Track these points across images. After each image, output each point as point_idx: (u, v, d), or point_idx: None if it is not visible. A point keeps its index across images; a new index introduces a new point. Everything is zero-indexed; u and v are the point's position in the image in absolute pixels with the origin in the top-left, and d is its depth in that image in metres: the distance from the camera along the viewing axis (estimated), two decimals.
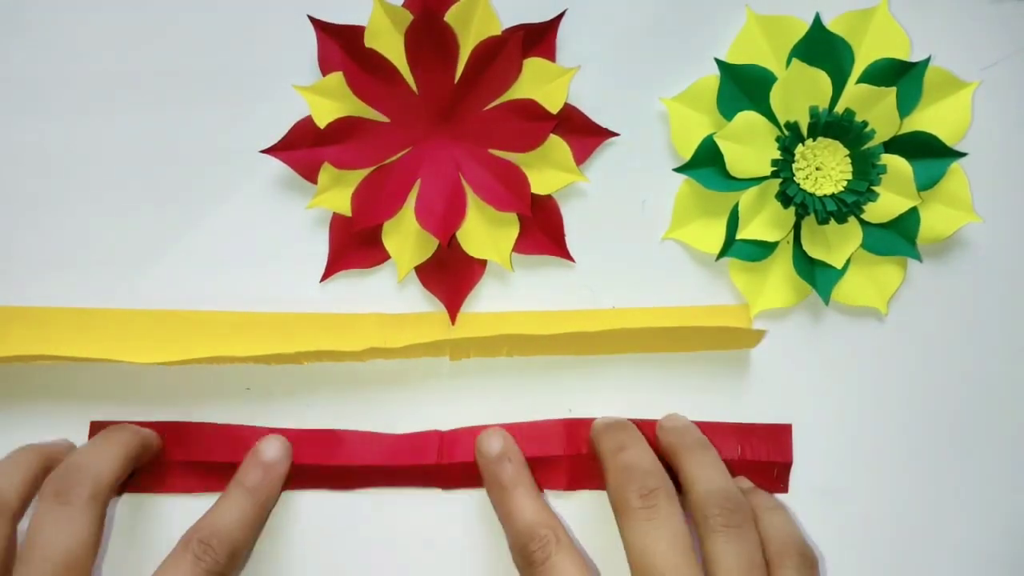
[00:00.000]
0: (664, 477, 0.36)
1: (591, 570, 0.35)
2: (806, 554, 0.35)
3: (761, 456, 0.39)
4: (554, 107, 0.39)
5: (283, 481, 0.38)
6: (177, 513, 0.39)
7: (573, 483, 0.39)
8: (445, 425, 0.39)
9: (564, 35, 0.40)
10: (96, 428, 0.39)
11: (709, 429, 0.39)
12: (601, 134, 0.40)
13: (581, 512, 0.39)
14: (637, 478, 0.35)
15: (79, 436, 0.39)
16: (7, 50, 0.40)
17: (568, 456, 0.39)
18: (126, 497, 0.39)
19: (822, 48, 0.38)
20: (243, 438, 0.39)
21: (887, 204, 0.38)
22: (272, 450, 0.38)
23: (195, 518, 0.36)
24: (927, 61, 0.38)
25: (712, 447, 0.38)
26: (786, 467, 0.39)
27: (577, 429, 0.39)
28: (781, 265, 0.40)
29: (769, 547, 0.35)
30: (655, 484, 0.35)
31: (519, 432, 0.39)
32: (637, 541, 0.34)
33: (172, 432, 0.39)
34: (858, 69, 0.39)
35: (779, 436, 0.40)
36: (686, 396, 0.40)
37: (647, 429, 0.39)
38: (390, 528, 0.39)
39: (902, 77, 0.38)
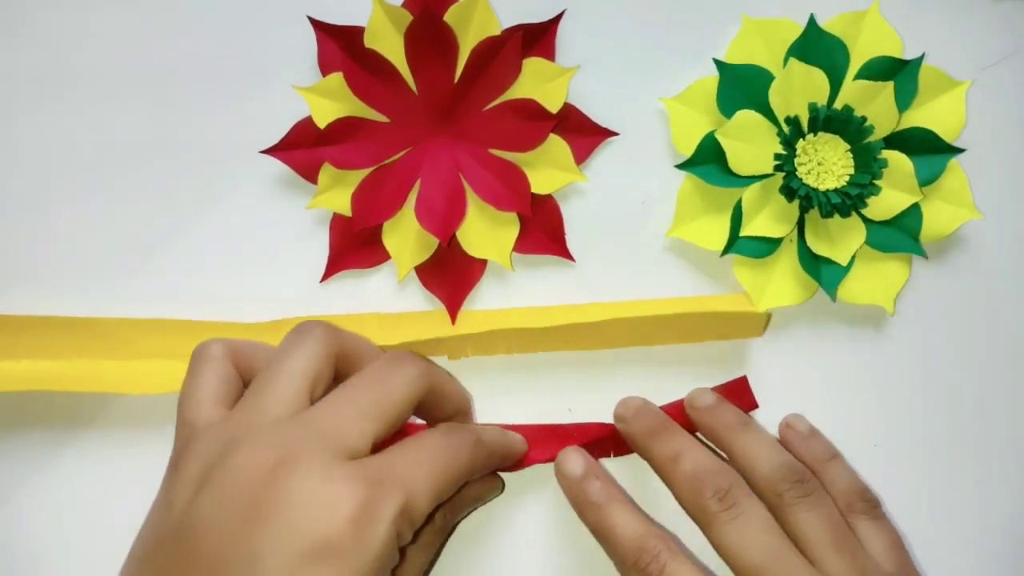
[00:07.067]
0: (728, 469, 0.36)
1: (709, 573, 0.35)
2: (869, 497, 0.37)
3: None
4: (554, 107, 0.39)
5: None
6: None
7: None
8: None
9: (564, 35, 0.40)
10: None
11: (673, 409, 0.39)
12: (601, 134, 0.40)
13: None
14: (708, 484, 0.35)
15: (74, 436, 0.39)
16: (4, 49, 0.40)
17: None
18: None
19: (818, 48, 0.38)
20: None
21: (889, 200, 0.38)
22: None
23: None
24: (921, 58, 0.38)
25: (752, 419, 0.38)
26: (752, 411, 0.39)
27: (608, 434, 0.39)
28: (786, 262, 0.39)
29: (837, 501, 0.36)
30: (726, 483, 0.35)
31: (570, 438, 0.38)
32: (731, 543, 0.34)
33: None
34: (853, 69, 0.39)
35: (740, 391, 0.39)
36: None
37: (674, 412, 0.38)
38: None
39: (897, 75, 0.38)
